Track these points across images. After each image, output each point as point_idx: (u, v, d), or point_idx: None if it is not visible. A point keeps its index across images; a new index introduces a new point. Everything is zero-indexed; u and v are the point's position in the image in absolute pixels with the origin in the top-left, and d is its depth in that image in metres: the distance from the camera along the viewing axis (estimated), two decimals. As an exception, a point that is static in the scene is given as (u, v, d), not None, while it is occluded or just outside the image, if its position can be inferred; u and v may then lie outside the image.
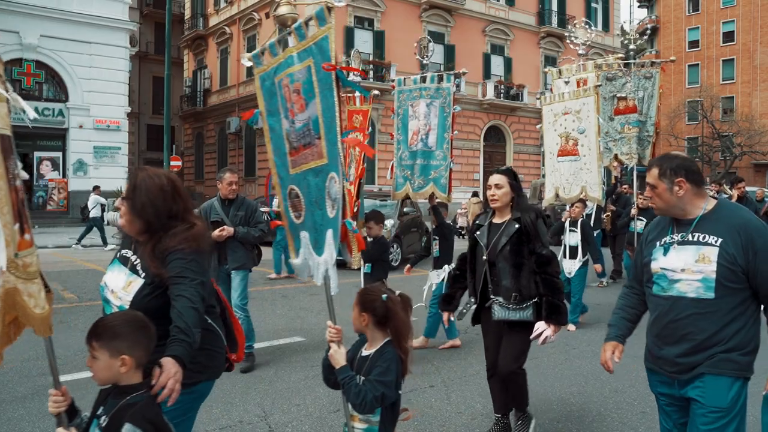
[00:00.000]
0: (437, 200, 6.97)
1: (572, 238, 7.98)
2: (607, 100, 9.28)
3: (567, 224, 8.10)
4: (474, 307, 4.16)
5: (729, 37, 50.45)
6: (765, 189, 26.95)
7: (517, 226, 3.93)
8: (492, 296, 4.00)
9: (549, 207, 13.31)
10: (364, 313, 2.72)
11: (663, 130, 51.05)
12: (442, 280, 6.51)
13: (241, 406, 4.81)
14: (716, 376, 2.58)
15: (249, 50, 27.35)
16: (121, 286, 2.50)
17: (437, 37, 29.92)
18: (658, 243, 2.74)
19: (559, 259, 9.33)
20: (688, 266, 2.58)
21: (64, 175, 22.72)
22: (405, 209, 14.40)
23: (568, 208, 8.44)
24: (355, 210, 6.39)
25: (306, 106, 3.03)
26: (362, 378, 2.63)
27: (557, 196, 8.67)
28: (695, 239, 2.58)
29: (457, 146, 30.27)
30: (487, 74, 31.46)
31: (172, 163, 21.40)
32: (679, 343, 2.65)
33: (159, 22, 37.22)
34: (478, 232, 4.14)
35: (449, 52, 30.14)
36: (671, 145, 48.39)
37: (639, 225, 9.65)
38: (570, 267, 7.90)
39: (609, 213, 11.26)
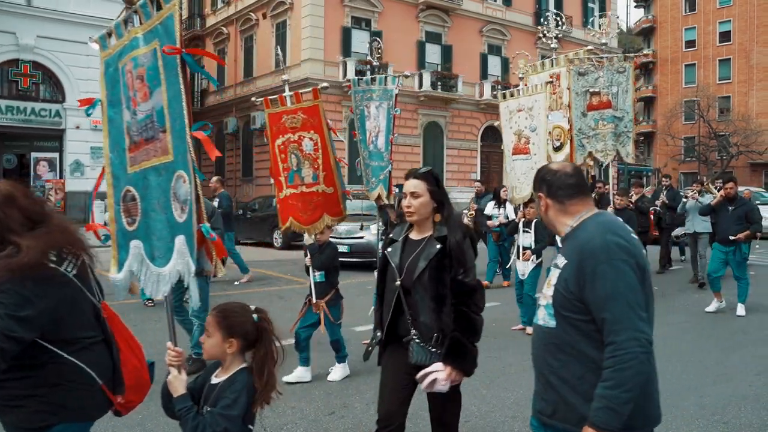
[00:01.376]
0: (383, 202, 7.07)
1: (526, 239, 7.78)
2: (579, 96, 8.97)
3: (521, 225, 7.89)
4: (378, 341, 3.27)
5: (725, 36, 50.52)
6: (753, 190, 27.13)
7: (439, 246, 3.01)
8: (412, 330, 3.04)
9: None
10: (232, 339, 2.32)
11: (660, 129, 51.29)
12: None
13: (237, 409, 4.84)
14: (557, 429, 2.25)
15: (246, 52, 27.15)
16: None
17: (434, 38, 29.94)
18: None
19: (512, 260, 9.21)
20: (544, 291, 2.34)
21: (61, 176, 22.71)
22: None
23: (521, 208, 8.26)
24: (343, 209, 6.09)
25: (150, 94, 2.66)
26: (208, 409, 2.32)
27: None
28: (556, 261, 2.33)
29: (455, 146, 30.33)
30: (484, 74, 31.46)
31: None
32: (537, 380, 2.36)
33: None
34: (389, 249, 3.20)
35: (446, 53, 30.16)
36: (668, 144, 48.54)
37: None
38: (523, 269, 7.80)
39: None
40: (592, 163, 9.84)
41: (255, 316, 2.38)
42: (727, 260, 8.84)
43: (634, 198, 12.26)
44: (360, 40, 27.76)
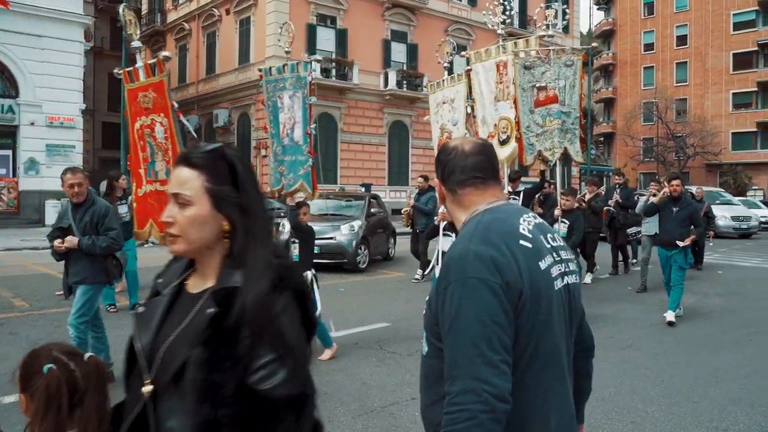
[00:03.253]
0: (300, 198, 6.49)
1: (446, 243, 6.82)
2: (526, 91, 8.40)
3: (441, 227, 6.93)
4: None
5: (682, 40, 51.67)
6: (712, 190, 27.71)
7: (211, 311, 1.37)
8: None
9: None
10: (22, 395, 1.49)
11: (620, 130, 52.20)
12: None
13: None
14: None
15: (209, 48, 26.73)
16: None
17: (400, 36, 29.79)
18: None
19: (431, 266, 8.19)
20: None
21: (14, 175, 21.80)
22: (372, 210, 14.17)
23: (441, 210, 7.39)
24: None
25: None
26: None
27: None
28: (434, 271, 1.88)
29: (420, 146, 30.19)
30: (450, 74, 31.39)
31: (129, 162, 20.76)
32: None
33: (115, 17, 36.15)
34: (140, 311, 1.54)
35: (412, 52, 30.02)
36: (628, 145, 49.46)
37: (562, 228, 8.35)
38: None
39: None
40: (544, 166, 9.39)
41: (47, 366, 1.45)
42: (668, 264, 8.25)
43: (587, 197, 11.93)
44: (325, 38, 27.43)
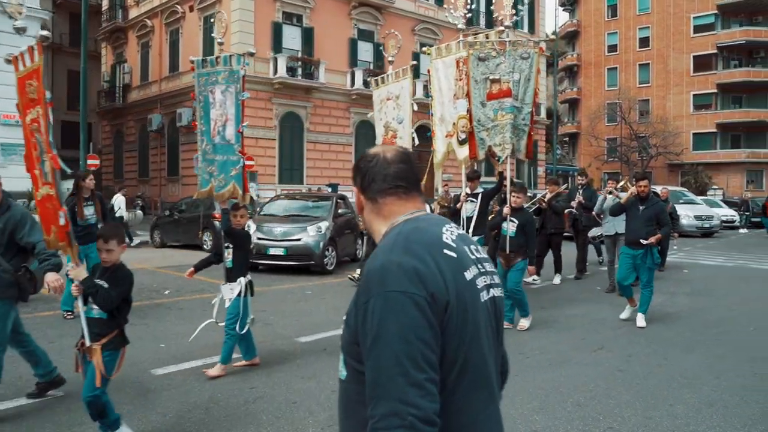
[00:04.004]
0: (232, 201, 6.06)
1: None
2: (479, 83, 7.97)
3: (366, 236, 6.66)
4: None
5: (645, 42, 52.53)
6: (676, 189, 28.16)
7: None
8: None
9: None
10: None
11: (584, 130, 52.86)
12: (238, 295, 5.84)
13: (176, 438, 4.29)
14: None
15: (172, 46, 26.22)
16: None
17: (367, 35, 29.60)
18: None
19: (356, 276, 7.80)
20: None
21: (-33, 175, 21.05)
22: (340, 210, 13.95)
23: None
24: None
25: None
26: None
27: None
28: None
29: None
30: (416, 73, 31.24)
31: (90, 161, 20.15)
32: None
33: (74, 13, 35.23)
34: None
35: (379, 51, 29.83)
36: (592, 145, 50.08)
37: (511, 227, 7.86)
38: None
39: (493, 214, 9.63)
40: (499, 166, 8.84)
41: None
42: (635, 265, 8.04)
43: (548, 197, 11.63)
44: (291, 36, 27.09)
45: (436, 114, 9.00)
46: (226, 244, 5.91)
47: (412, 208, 1.68)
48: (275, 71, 25.73)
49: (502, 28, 8.55)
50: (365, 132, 29.48)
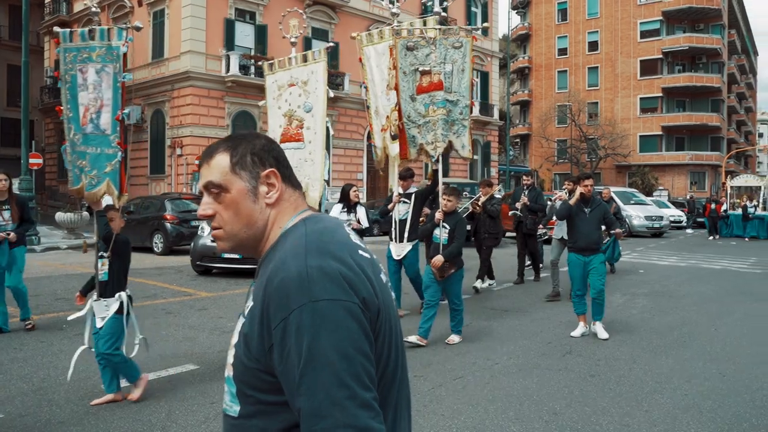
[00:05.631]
0: (106, 204, 5.16)
1: None
2: (407, 75, 7.26)
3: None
4: None
5: (594, 46, 53.66)
6: (627, 191, 28.77)
7: None
8: None
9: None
10: None
11: (535, 132, 53.63)
12: (116, 313, 4.86)
13: (132, 460, 3.95)
14: None
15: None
16: None
17: (321, 34, 29.25)
18: None
19: None
20: (228, 355, 1.38)
21: None
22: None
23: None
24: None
25: None
26: None
27: None
28: (246, 304, 1.37)
29: (341, 146, 29.76)
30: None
31: (32, 160, 19.33)
32: None
33: (15, 5, 33.82)
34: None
35: (333, 50, 29.52)
36: (543, 146, 50.81)
37: (443, 234, 6.98)
38: None
39: (423, 218, 8.56)
40: (434, 169, 8.06)
41: None
42: (586, 273, 7.47)
43: (482, 199, 10.75)
44: (244, 34, 26.56)
45: (371, 106, 8.37)
46: (100, 253, 4.99)
47: (304, 205, 1.43)
48: (227, 69, 25.20)
49: (439, 10, 7.93)
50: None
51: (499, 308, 9.12)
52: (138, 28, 5.69)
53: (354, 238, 1.38)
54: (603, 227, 7.79)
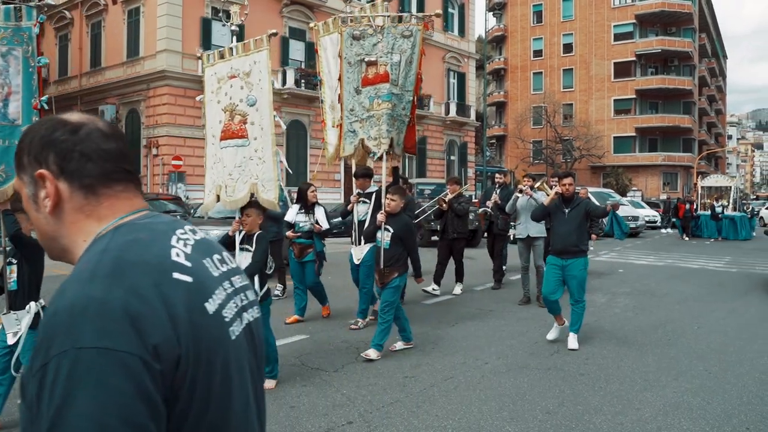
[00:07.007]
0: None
1: (244, 259, 5.38)
2: (353, 66, 6.82)
3: (238, 239, 5.48)
4: None
5: (568, 48, 54.22)
6: (603, 191, 29.07)
7: None
8: None
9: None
10: None
11: (511, 133, 53.98)
12: (31, 328, 4.08)
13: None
14: None
15: (93, 39, 24.94)
16: None
17: (298, 34, 29.13)
18: None
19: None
20: None
21: None
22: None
23: (237, 216, 5.70)
24: None
25: None
26: None
27: (218, 198, 5.99)
28: None
29: (318, 146, 29.55)
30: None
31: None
32: None
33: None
34: None
35: (311, 50, 29.38)
36: (518, 147, 51.20)
37: (386, 238, 6.47)
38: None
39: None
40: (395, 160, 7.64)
41: None
42: (563, 277, 6.95)
43: (448, 197, 10.14)
44: (221, 33, 26.27)
45: (326, 100, 7.83)
46: (8, 259, 4.29)
47: (139, 205, 1.17)
48: (203, 70, 24.92)
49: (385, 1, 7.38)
50: (297, 132, 28.99)
51: (484, 308, 9.12)
52: (51, 5, 5.18)
53: (179, 252, 1.09)
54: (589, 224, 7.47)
